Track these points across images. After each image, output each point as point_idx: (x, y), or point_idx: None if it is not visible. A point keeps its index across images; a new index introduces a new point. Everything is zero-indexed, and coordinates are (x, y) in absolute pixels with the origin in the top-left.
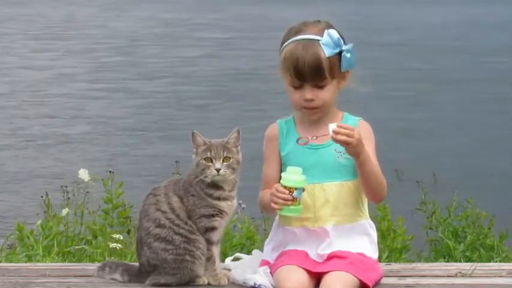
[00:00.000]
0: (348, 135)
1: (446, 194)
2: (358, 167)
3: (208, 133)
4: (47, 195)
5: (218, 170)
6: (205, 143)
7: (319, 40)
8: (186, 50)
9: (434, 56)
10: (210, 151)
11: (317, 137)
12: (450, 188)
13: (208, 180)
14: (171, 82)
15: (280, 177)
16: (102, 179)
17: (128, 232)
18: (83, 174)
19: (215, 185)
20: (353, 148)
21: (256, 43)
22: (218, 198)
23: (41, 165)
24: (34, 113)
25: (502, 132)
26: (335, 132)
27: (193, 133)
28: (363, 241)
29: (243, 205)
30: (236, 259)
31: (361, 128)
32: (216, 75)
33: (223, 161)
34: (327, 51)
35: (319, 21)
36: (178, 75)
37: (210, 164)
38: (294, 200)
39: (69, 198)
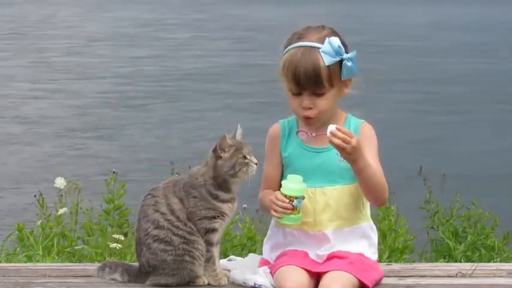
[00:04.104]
0: (344, 140)
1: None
2: (355, 173)
3: (146, 133)
4: (41, 195)
5: (256, 164)
6: (231, 145)
7: (319, 48)
8: (139, 51)
9: (382, 57)
10: (243, 149)
11: (316, 134)
12: (391, 189)
13: (252, 177)
14: (114, 82)
15: (280, 179)
16: (105, 179)
17: (125, 234)
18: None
19: (226, 187)
20: (347, 155)
21: (217, 43)
22: (222, 201)
23: None
24: None
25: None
26: (332, 134)
27: (221, 138)
28: (362, 244)
29: (244, 205)
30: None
31: (362, 131)
32: (159, 75)
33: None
34: (326, 60)
35: (323, 27)
36: (121, 75)
37: (248, 160)
38: (293, 208)
39: (61, 198)
